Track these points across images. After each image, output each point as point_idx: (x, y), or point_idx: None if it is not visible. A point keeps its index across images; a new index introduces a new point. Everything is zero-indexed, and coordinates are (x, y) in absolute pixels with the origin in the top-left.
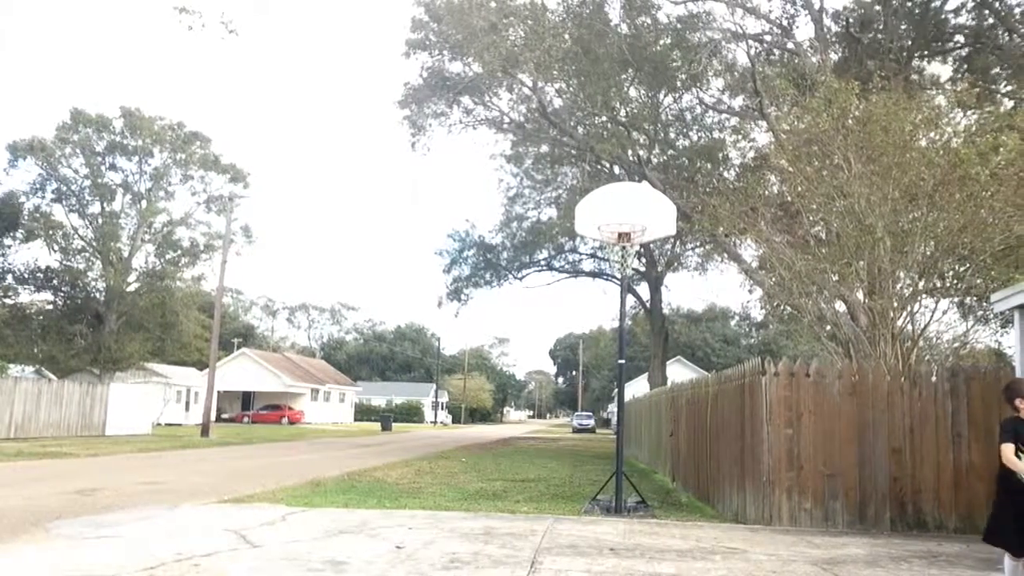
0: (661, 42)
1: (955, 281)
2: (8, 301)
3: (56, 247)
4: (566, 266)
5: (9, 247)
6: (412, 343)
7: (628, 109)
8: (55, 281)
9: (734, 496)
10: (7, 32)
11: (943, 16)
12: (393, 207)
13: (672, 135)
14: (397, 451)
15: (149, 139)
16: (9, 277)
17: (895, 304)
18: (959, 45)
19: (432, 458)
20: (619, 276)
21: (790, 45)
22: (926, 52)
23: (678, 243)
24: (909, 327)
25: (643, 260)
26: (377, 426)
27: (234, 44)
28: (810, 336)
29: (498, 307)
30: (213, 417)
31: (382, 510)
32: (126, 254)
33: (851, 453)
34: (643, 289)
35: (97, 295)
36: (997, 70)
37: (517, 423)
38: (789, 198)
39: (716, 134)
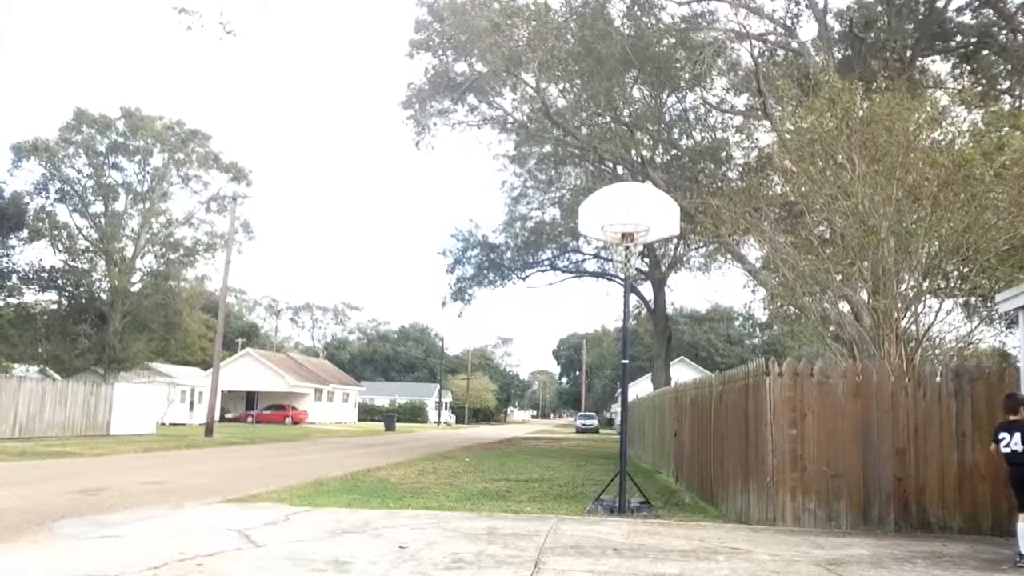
0: (664, 42)
1: (959, 281)
2: (13, 301)
3: (60, 247)
4: (569, 266)
5: (14, 247)
6: (416, 343)
7: (632, 109)
8: (59, 281)
9: (738, 496)
10: (7, 32)
11: (946, 15)
12: (396, 207)
13: (675, 135)
14: (400, 451)
15: (150, 138)
16: (14, 277)
17: (899, 304)
18: (962, 44)
19: (435, 458)
20: (622, 276)
21: (794, 45)
22: (929, 51)
23: (681, 243)
24: (913, 327)
25: (646, 260)
26: (381, 426)
27: (238, 43)
28: (814, 336)
29: (502, 307)
30: (217, 417)
31: (385, 510)
32: (129, 254)
33: (855, 453)
34: (646, 289)
35: (101, 295)
36: (1000, 69)
37: (521, 423)
38: (793, 198)
39: (720, 134)
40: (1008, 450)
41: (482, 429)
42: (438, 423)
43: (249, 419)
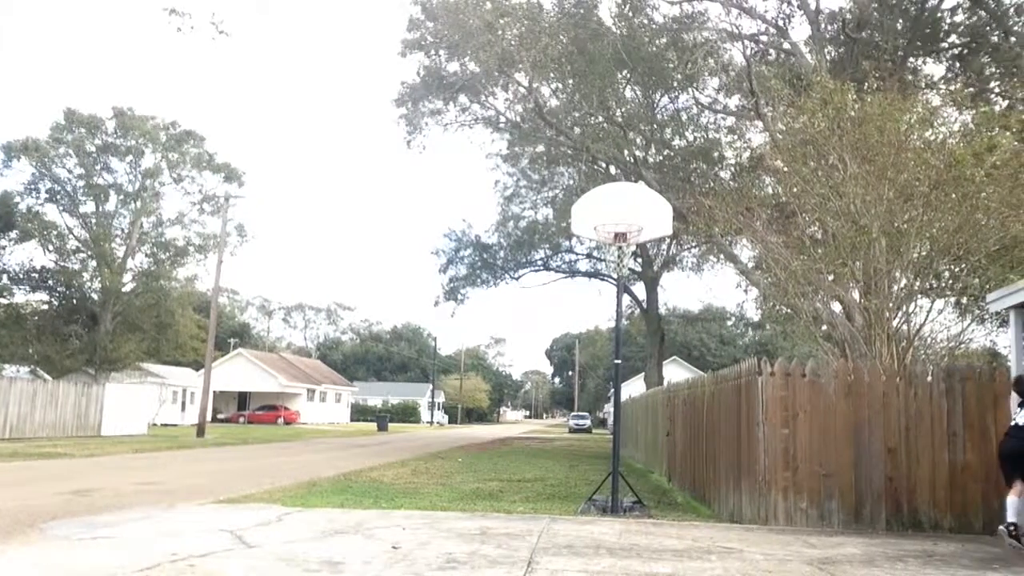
0: (656, 42)
1: (950, 281)
2: (3, 301)
3: (51, 247)
4: (562, 266)
5: (4, 248)
6: (408, 343)
7: (624, 109)
8: (50, 281)
9: (730, 496)
10: (3, 32)
11: (939, 15)
12: (389, 207)
13: (668, 135)
14: (393, 451)
15: (142, 138)
16: (4, 277)
17: (891, 304)
18: (954, 45)
19: (428, 458)
20: (615, 276)
21: (786, 45)
22: (921, 52)
23: (674, 243)
24: (904, 327)
25: (639, 260)
26: (373, 426)
27: (230, 43)
28: (806, 336)
29: (494, 307)
30: (209, 417)
31: (378, 510)
32: (120, 254)
33: (847, 453)
34: (639, 289)
35: (92, 295)
36: (991, 70)
37: (514, 423)
38: (785, 198)
39: (712, 134)
40: (1013, 423)
41: (475, 429)
42: (431, 423)
43: (241, 419)
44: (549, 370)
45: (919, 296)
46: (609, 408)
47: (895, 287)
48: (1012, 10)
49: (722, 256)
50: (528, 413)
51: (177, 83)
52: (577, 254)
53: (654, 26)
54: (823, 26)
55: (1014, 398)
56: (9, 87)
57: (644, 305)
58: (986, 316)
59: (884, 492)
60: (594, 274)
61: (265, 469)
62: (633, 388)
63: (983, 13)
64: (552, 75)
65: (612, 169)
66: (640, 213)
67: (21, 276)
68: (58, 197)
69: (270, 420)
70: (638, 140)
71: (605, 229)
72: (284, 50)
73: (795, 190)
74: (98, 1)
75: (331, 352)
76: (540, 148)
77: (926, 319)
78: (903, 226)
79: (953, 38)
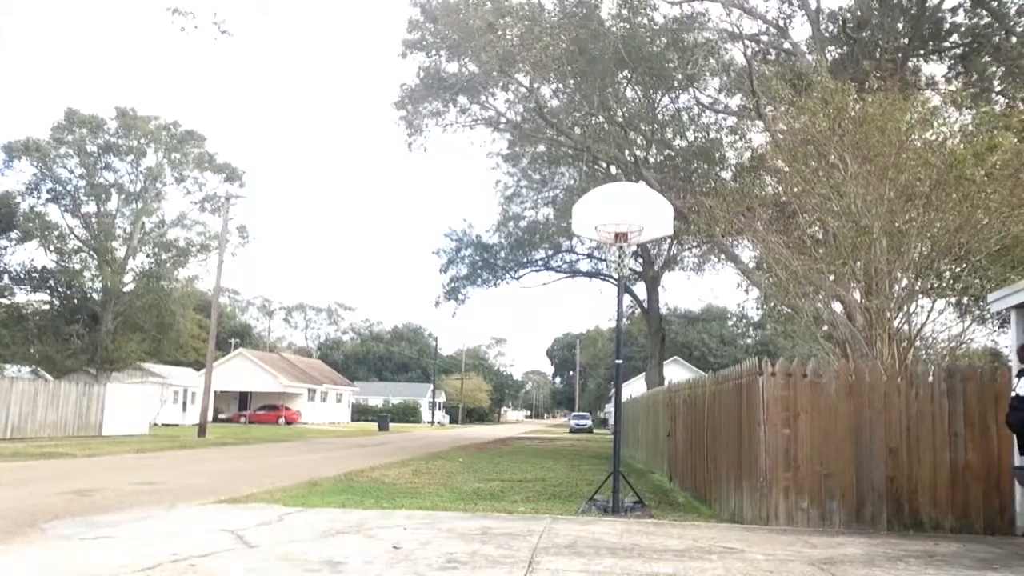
0: (657, 42)
1: (951, 281)
2: (4, 301)
3: (52, 247)
4: (563, 266)
5: (5, 248)
6: (409, 343)
7: (625, 109)
8: (51, 281)
9: (731, 496)
10: (3, 32)
11: (940, 15)
12: (390, 207)
13: (669, 135)
14: (394, 451)
15: (144, 139)
16: (5, 277)
17: (892, 304)
18: (955, 45)
19: (429, 458)
20: (616, 276)
21: (787, 45)
22: (922, 52)
23: (675, 243)
24: (905, 327)
25: (640, 260)
26: (374, 426)
27: (231, 44)
28: (807, 336)
29: (495, 307)
30: (210, 417)
31: (379, 510)
32: (122, 254)
33: (848, 453)
34: (640, 289)
35: (93, 295)
36: (993, 70)
37: (514, 423)
38: (785, 198)
39: (713, 134)
40: (1013, 394)
41: (476, 429)
42: (432, 423)
43: (242, 419)
44: (550, 370)
45: (920, 296)
46: (610, 408)
47: (896, 287)
48: (1014, 10)
49: (723, 256)
50: (529, 413)
51: (178, 83)
52: (578, 254)
53: (655, 26)
54: (824, 26)
55: (1015, 366)
56: (10, 87)
57: (645, 305)
58: (987, 316)
59: (885, 492)
60: (595, 274)
61: (266, 469)
62: (634, 388)
63: (984, 13)
64: (553, 75)
65: (613, 169)
66: (641, 213)
67: (22, 276)
68: (59, 197)
69: (271, 420)
70: (639, 140)
71: (606, 229)
72: (285, 51)
73: (796, 190)
74: (100, 1)
75: (332, 352)
76: (541, 148)
77: (927, 319)
78: (904, 226)
79: (954, 38)
